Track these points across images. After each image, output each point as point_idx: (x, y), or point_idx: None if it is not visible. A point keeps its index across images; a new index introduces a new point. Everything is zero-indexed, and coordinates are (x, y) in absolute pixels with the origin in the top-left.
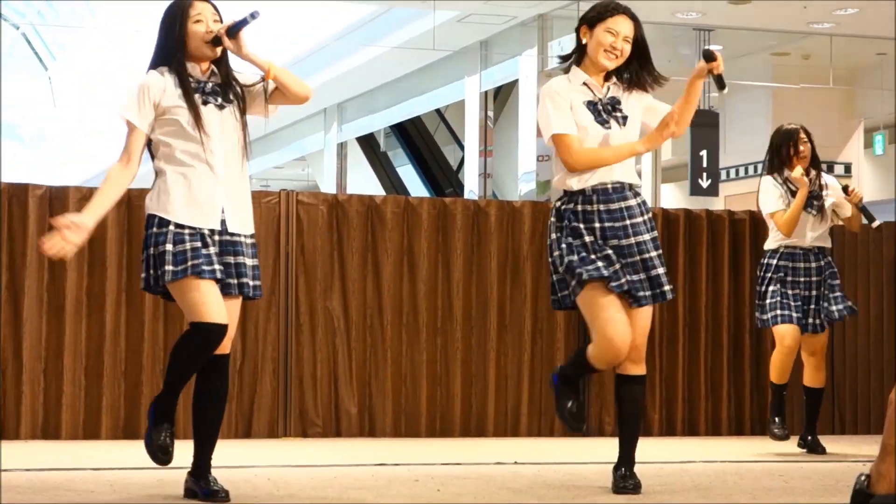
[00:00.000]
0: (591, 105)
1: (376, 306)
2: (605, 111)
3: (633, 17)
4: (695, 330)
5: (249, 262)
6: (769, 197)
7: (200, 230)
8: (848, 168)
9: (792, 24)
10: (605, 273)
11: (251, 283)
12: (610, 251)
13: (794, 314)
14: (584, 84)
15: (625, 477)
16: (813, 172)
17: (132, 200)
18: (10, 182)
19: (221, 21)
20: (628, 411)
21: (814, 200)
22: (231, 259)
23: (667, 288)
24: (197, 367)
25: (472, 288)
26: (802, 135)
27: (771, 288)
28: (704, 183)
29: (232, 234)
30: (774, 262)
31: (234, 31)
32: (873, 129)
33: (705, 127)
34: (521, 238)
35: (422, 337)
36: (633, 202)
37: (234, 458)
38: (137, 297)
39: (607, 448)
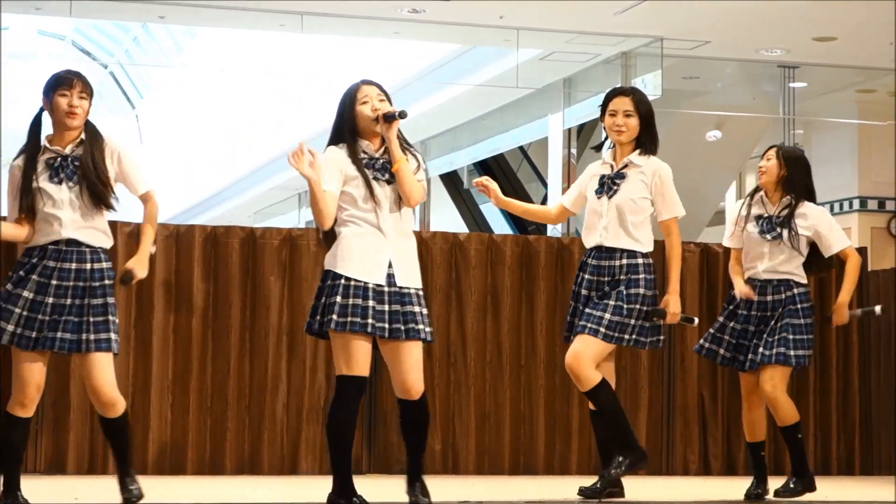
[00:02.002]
0: (601, 179)
1: (459, 343)
2: (606, 185)
3: (630, 93)
4: None
5: (418, 309)
6: (728, 219)
7: (367, 284)
8: None
9: (878, 60)
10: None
11: (423, 328)
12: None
13: (721, 349)
14: (606, 163)
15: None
16: (787, 197)
17: (218, 238)
18: None
19: (388, 100)
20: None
21: (776, 227)
22: (399, 308)
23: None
24: (352, 416)
25: (556, 325)
26: (770, 152)
27: (719, 319)
28: None
29: (400, 287)
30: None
31: (388, 118)
32: None
33: None
34: (570, 274)
35: (505, 374)
36: (616, 263)
37: (319, 494)
38: (223, 333)
39: (687, 486)
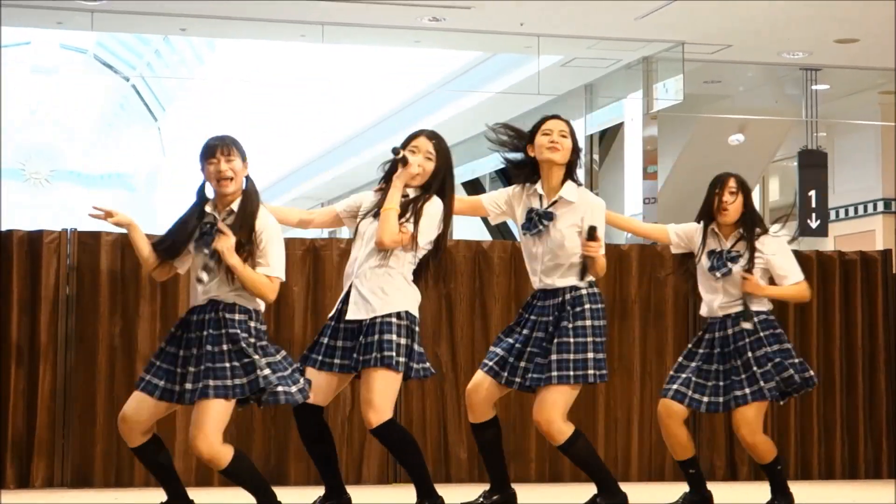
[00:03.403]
0: (529, 213)
1: (484, 351)
2: (534, 222)
3: (565, 120)
4: None
5: (371, 339)
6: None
7: (329, 322)
8: None
9: None
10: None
11: (367, 356)
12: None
13: (679, 387)
14: (536, 192)
15: None
16: (738, 231)
17: (318, 251)
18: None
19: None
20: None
21: (726, 262)
22: (349, 343)
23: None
24: (309, 437)
25: None
26: (732, 184)
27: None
28: (813, 223)
29: (348, 322)
30: (701, 334)
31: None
32: None
33: (813, 167)
34: (628, 281)
35: None
36: (560, 300)
37: None
38: None
39: (715, 492)
